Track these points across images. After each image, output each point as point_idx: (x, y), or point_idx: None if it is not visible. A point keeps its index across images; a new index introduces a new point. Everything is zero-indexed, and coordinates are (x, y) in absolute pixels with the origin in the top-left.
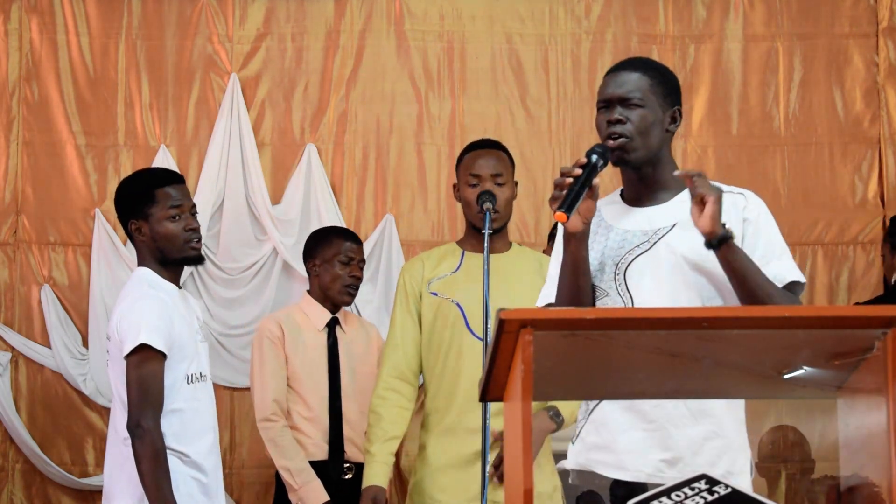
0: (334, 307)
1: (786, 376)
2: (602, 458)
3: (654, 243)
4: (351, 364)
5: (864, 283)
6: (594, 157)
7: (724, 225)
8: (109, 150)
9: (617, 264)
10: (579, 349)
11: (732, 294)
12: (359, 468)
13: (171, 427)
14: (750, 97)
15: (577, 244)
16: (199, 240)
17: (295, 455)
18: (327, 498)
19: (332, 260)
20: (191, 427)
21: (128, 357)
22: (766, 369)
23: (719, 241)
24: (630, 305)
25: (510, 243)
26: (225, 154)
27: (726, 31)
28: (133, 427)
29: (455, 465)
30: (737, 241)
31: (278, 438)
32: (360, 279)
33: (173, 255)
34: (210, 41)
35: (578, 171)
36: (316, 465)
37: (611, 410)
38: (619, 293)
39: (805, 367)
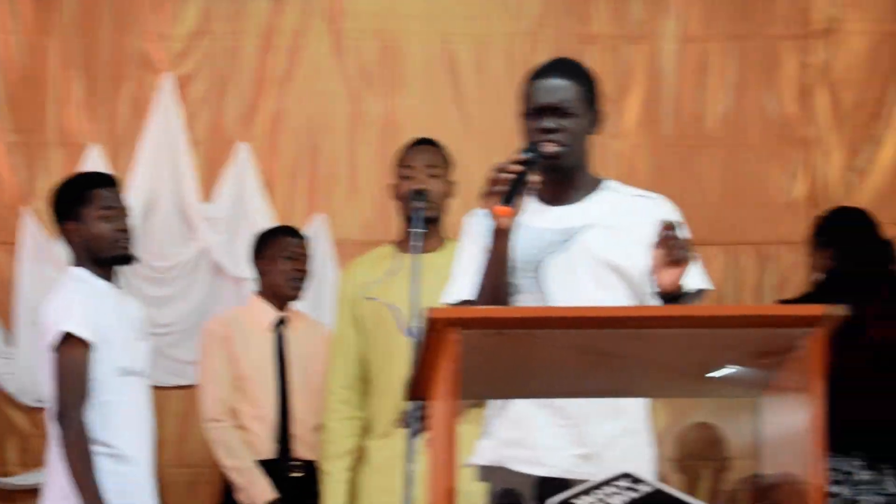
0: (282, 306)
1: (712, 375)
2: (517, 454)
3: (569, 242)
4: (301, 362)
5: (792, 283)
6: (529, 154)
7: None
8: (40, 147)
9: (532, 262)
10: (506, 348)
11: (646, 296)
12: (308, 466)
13: (99, 418)
14: (683, 98)
15: (504, 240)
16: (129, 241)
17: (241, 454)
18: (275, 496)
19: (277, 257)
20: (119, 420)
21: (53, 348)
22: (692, 368)
23: (674, 298)
24: (545, 303)
25: (443, 241)
26: (157, 152)
27: (661, 31)
28: (58, 417)
29: (396, 465)
30: (645, 244)
31: (224, 438)
32: (304, 272)
33: (103, 255)
34: (144, 39)
35: (517, 168)
36: (265, 464)
37: (526, 407)
38: (532, 290)
39: (730, 367)
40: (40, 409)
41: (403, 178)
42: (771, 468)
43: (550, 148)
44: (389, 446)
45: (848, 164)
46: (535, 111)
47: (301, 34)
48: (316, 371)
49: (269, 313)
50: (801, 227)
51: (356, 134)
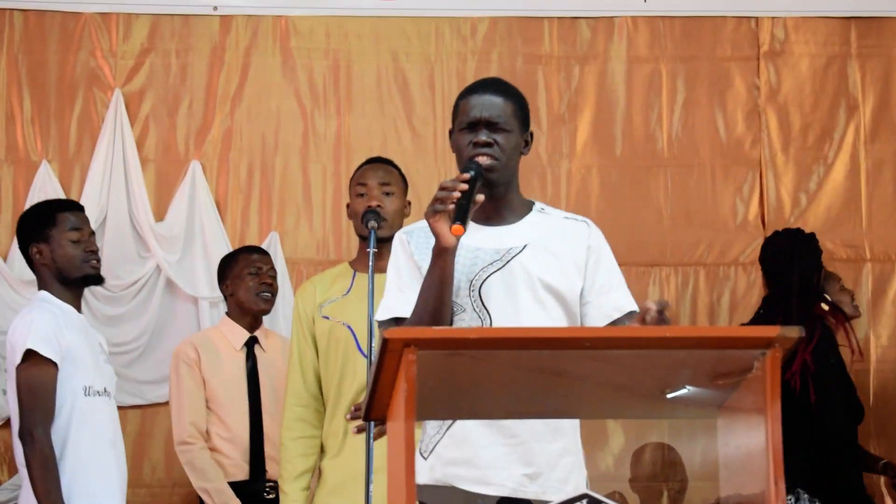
0: (252, 325)
1: (668, 396)
2: (463, 473)
3: (508, 262)
4: (272, 382)
5: (745, 304)
6: (472, 173)
7: None
8: None
9: (471, 281)
10: (463, 368)
11: (576, 318)
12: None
13: (64, 436)
14: (634, 118)
15: (448, 259)
16: (98, 260)
17: (213, 476)
18: None
19: (241, 274)
20: (83, 438)
21: (18, 367)
22: (649, 388)
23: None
24: (488, 322)
25: None
26: (108, 170)
27: (610, 52)
28: (23, 434)
29: (350, 485)
30: (578, 267)
31: (196, 461)
32: (271, 286)
33: (73, 275)
34: (93, 55)
35: (465, 186)
36: (237, 486)
37: (472, 426)
38: (475, 309)
39: (687, 387)
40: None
41: (358, 195)
42: (729, 489)
43: (484, 161)
44: (344, 466)
45: (798, 185)
46: (469, 125)
47: (251, 52)
48: None
49: (239, 334)
50: (753, 248)
51: (308, 152)
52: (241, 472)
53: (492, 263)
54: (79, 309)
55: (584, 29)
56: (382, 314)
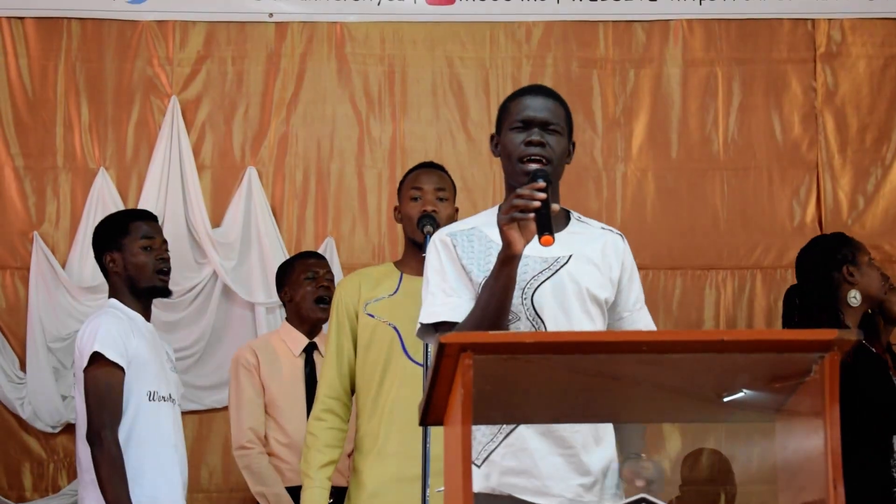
0: (311, 332)
1: (725, 399)
2: (522, 483)
3: (556, 271)
4: None
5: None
6: (542, 181)
7: None
8: (48, 172)
9: (523, 289)
10: (519, 373)
11: (612, 328)
12: (338, 493)
13: (128, 438)
14: (689, 121)
15: (515, 266)
16: (168, 272)
17: (271, 481)
18: None
19: (299, 280)
20: (147, 441)
21: (85, 370)
22: (706, 392)
23: None
24: (543, 330)
25: None
26: (165, 177)
27: (666, 55)
28: (91, 436)
29: (392, 489)
30: (612, 280)
31: (254, 465)
32: (328, 290)
33: (142, 285)
34: (150, 63)
35: (543, 196)
36: (294, 491)
37: (529, 435)
38: (528, 318)
39: (744, 391)
40: (54, 435)
41: (411, 199)
42: (787, 494)
43: (535, 164)
44: (386, 469)
45: (856, 187)
46: (522, 123)
47: (306, 58)
48: None
49: (298, 340)
50: None
51: (363, 158)
52: (299, 478)
53: (541, 272)
54: (148, 318)
55: (640, 32)
56: (427, 317)
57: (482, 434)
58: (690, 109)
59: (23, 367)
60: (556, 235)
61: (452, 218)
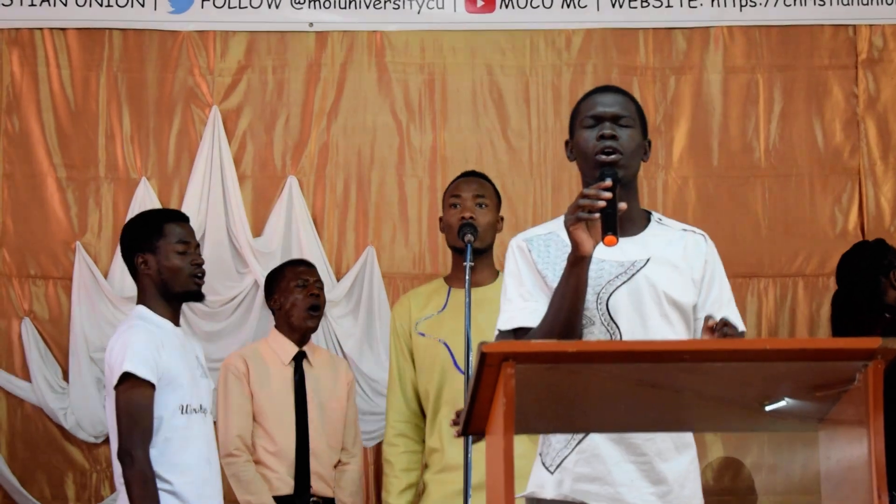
0: (301, 340)
1: (767, 408)
2: (595, 490)
3: (633, 275)
4: (319, 398)
5: None
6: (609, 180)
7: None
8: (90, 182)
9: (598, 294)
10: (561, 381)
11: (698, 332)
12: (326, 502)
13: (160, 455)
14: (730, 128)
15: (585, 267)
16: (203, 276)
17: (257, 489)
18: None
19: (289, 287)
20: (179, 457)
21: (116, 387)
22: (748, 401)
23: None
24: (617, 335)
25: (497, 272)
26: (206, 186)
27: (706, 62)
28: (122, 455)
29: (455, 502)
30: (695, 281)
31: (241, 473)
32: (318, 298)
33: (176, 289)
34: (191, 73)
35: (609, 195)
36: (282, 500)
37: (601, 442)
38: (603, 322)
39: (787, 399)
40: (97, 445)
41: (451, 206)
42: (831, 502)
43: (607, 157)
44: (448, 482)
45: None
46: (594, 118)
47: (346, 67)
48: (335, 407)
49: (288, 348)
50: None
51: (404, 166)
52: (286, 487)
53: (618, 276)
54: (177, 322)
55: (680, 39)
56: (505, 324)
57: (556, 440)
58: (731, 116)
59: (65, 377)
60: (634, 237)
61: (493, 225)
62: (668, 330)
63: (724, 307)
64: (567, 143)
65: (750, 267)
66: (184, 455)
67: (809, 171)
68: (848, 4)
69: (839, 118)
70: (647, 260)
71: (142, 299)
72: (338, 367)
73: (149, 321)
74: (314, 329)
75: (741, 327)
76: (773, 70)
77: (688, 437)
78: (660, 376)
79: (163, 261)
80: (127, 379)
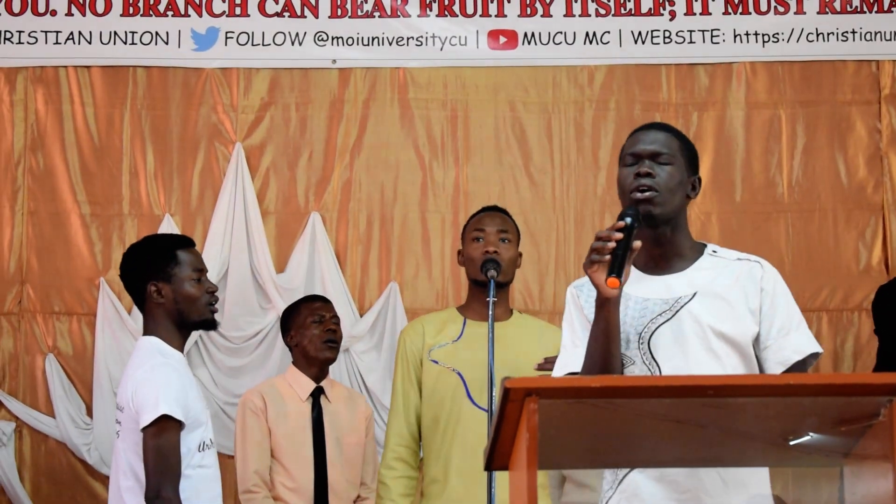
0: (319, 376)
1: (792, 443)
2: None
3: (677, 312)
4: (336, 434)
5: (869, 349)
6: (629, 220)
7: None
8: (114, 219)
9: (640, 333)
10: (585, 417)
11: (753, 364)
12: None
13: (183, 493)
14: (753, 164)
15: (612, 309)
16: (216, 303)
17: None
18: None
19: (305, 323)
20: (201, 494)
21: (146, 428)
22: (773, 436)
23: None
24: (658, 374)
25: (511, 311)
26: (229, 223)
27: (729, 98)
28: (152, 497)
29: None
30: (752, 311)
31: None
32: (335, 333)
33: (192, 318)
34: (214, 111)
35: (619, 236)
36: None
37: (642, 480)
38: (644, 362)
39: (811, 434)
40: None
41: (473, 241)
42: None
43: (642, 195)
44: None
45: None
46: (633, 158)
47: (369, 104)
48: (353, 443)
49: (305, 384)
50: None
51: (427, 202)
52: None
53: (661, 314)
54: (183, 351)
55: (702, 75)
56: (558, 370)
57: (606, 482)
58: (754, 152)
59: (89, 412)
60: (682, 273)
61: (515, 261)
62: (714, 365)
63: (793, 333)
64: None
65: None
66: (203, 492)
67: (833, 207)
68: (871, 40)
69: (862, 153)
70: (693, 295)
71: (152, 329)
72: (356, 401)
73: (168, 356)
74: (332, 360)
75: (809, 350)
76: (796, 105)
77: (741, 475)
78: (684, 411)
79: (178, 290)
80: (161, 420)
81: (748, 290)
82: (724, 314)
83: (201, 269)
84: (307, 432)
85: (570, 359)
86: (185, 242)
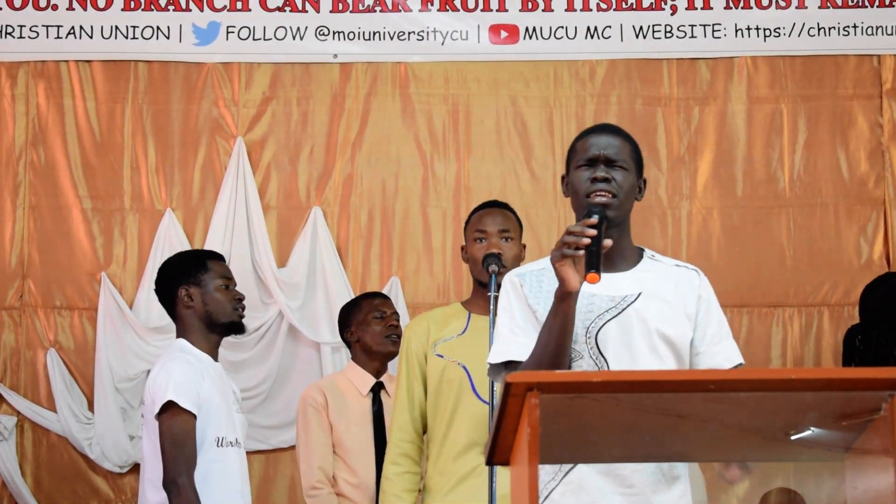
0: (379, 371)
1: (793, 438)
2: None
3: (623, 309)
4: None
5: None
6: (597, 217)
7: None
8: (115, 213)
9: (587, 328)
10: (585, 412)
11: (687, 366)
12: None
13: (199, 486)
14: (754, 159)
15: (572, 304)
16: (244, 309)
17: None
18: None
19: (367, 319)
20: (216, 489)
21: (159, 416)
22: (774, 431)
23: None
24: (606, 369)
25: None
26: (231, 217)
27: (730, 93)
28: (168, 483)
29: None
30: (689, 316)
31: None
32: (397, 329)
33: (221, 320)
34: (216, 105)
35: (593, 232)
36: None
37: (588, 473)
38: (591, 356)
39: (812, 429)
40: (122, 475)
41: (476, 241)
42: None
43: (601, 198)
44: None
45: None
46: (588, 161)
47: (370, 98)
48: None
49: (366, 379)
50: None
51: (428, 197)
52: None
53: (608, 311)
54: (216, 357)
55: (704, 70)
56: (496, 357)
57: (545, 472)
58: (755, 146)
59: (91, 407)
60: (626, 273)
61: (519, 257)
62: (657, 365)
63: (723, 342)
64: (563, 178)
65: (775, 297)
66: (219, 487)
67: (834, 201)
68: (872, 34)
69: (864, 148)
70: (639, 294)
71: (182, 333)
72: None
73: (190, 353)
74: (395, 354)
75: (736, 361)
76: (798, 100)
77: (678, 469)
78: (685, 406)
79: (207, 294)
80: (169, 408)
81: (686, 295)
82: (665, 316)
83: (230, 279)
84: (368, 428)
85: (510, 346)
86: (215, 255)
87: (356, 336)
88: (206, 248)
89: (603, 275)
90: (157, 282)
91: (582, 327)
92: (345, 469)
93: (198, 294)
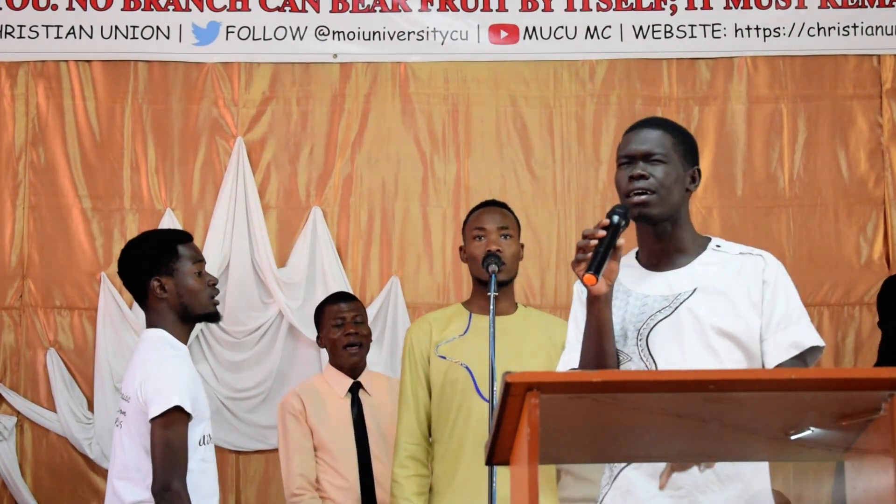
0: (354, 372)
1: (793, 437)
2: None
3: (676, 308)
4: (379, 427)
5: (870, 344)
6: (616, 218)
7: None
8: (115, 213)
9: (639, 329)
10: (586, 412)
11: (757, 358)
12: None
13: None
14: (754, 158)
15: (601, 307)
16: (218, 294)
17: None
18: None
19: (328, 326)
20: (201, 488)
21: (155, 419)
22: (774, 431)
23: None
24: (654, 370)
25: (516, 304)
26: (230, 217)
27: (730, 92)
28: (160, 490)
29: None
30: (755, 304)
31: None
32: (356, 335)
33: (196, 311)
34: (216, 105)
35: (602, 233)
36: None
37: (636, 477)
38: (641, 358)
39: (812, 429)
40: None
41: (475, 239)
42: None
43: (637, 198)
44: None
45: None
46: (626, 159)
47: (370, 98)
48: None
49: (342, 381)
50: (878, 287)
51: (428, 197)
52: None
53: (660, 311)
54: (186, 343)
55: (704, 70)
56: (561, 366)
57: (603, 477)
58: (755, 146)
59: (90, 407)
60: (683, 269)
61: (518, 255)
62: (712, 361)
63: (792, 326)
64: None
65: None
66: (203, 486)
67: (834, 201)
68: (872, 34)
69: (864, 148)
70: (694, 291)
71: (157, 322)
72: (397, 390)
73: (176, 348)
74: (358, 363)
75: (807, 344)
76: (798, 100)
77: (735, 469)
78: (685, 406)
79: (181, 283)
80: (172, 412)
81: (750, 283)
82: (724, 310)
83: (201, 261)
84: (349, 429)
85: (572, 355)
86: (183, 236)
87: (323, 342)
88: (207, 247)
89: (660, 273)
90: (123, 267)
91: (634, 329)
92: (329, 472)
93: (171, 284)
